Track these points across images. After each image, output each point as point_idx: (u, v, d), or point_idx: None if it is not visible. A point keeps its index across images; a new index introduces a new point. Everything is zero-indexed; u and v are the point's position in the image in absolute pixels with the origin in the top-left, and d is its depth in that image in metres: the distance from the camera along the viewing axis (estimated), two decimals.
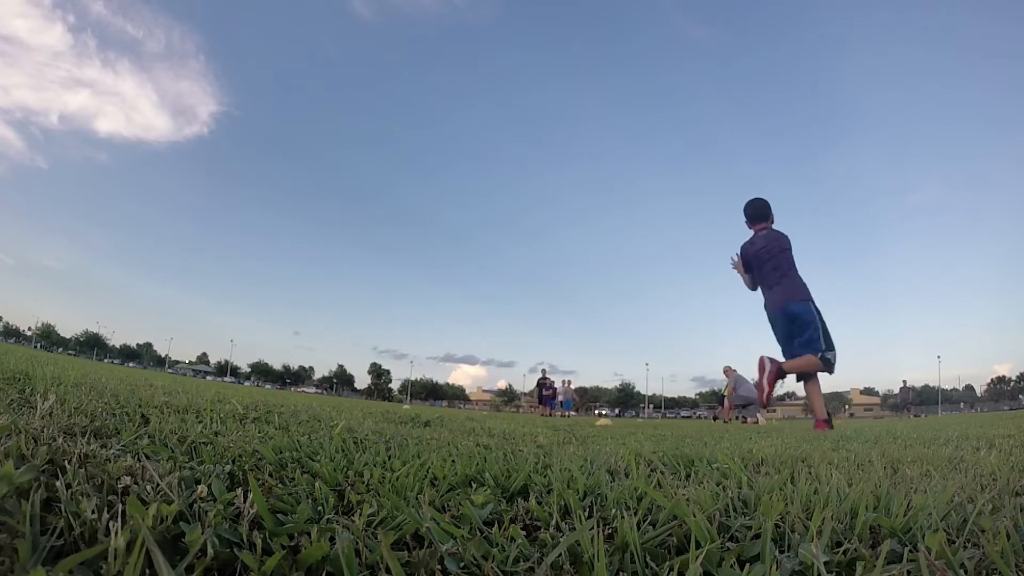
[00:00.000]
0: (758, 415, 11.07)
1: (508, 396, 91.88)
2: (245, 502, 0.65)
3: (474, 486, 0.98)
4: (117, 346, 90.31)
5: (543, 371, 19.79)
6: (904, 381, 22.23)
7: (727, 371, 12.51)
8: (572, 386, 20.46)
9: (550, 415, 15.65)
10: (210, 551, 0.53)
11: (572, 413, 19.49)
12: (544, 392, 18.75)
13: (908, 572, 0.58)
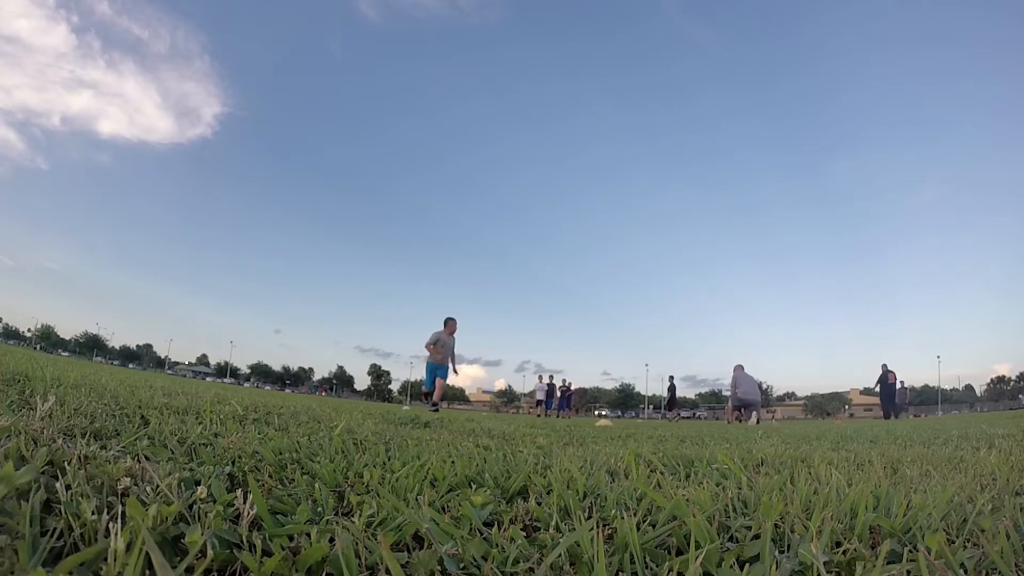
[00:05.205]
0: (754, 414, 11.08)
1: (508, 397, 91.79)
2: (245, 503, 0.65)
3: (474, 487, 0.98)
4: (117, 347, 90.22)
5: (564, 379, 20.70)
6: (902, 382, 22.47)
7: (735, 369, 12.49)
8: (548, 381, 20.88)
9: (546, 415, 16.05)
10: (210, 552, 0.53)
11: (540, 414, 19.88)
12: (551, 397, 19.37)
13: (908, 572, 0.58)
